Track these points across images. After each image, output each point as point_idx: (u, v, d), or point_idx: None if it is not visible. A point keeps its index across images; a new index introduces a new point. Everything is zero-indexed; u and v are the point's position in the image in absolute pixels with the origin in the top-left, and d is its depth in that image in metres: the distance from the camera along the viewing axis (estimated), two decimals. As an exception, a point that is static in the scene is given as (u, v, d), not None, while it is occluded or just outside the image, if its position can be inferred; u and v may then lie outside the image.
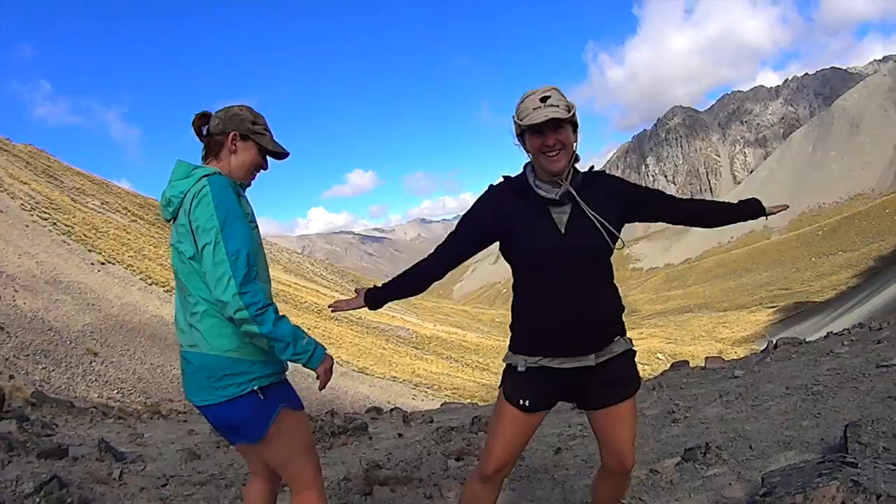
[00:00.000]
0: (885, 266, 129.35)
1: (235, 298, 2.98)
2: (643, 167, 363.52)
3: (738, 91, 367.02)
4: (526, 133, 3.25)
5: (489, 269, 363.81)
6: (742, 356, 16.25)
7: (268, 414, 3.23)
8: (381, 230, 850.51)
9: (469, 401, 30.04)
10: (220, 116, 3.40)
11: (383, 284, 3.62)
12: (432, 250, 3.62)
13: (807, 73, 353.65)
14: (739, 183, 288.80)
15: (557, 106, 3.16)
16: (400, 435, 9.53)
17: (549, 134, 3.18)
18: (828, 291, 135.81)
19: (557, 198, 3.27)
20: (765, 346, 13.58)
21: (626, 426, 3.41)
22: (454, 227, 3.55)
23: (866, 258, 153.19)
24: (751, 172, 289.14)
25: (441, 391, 49.86)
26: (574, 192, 3.27)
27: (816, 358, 9.34)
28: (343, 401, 37.76)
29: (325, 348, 3.28)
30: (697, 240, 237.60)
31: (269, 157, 3.53)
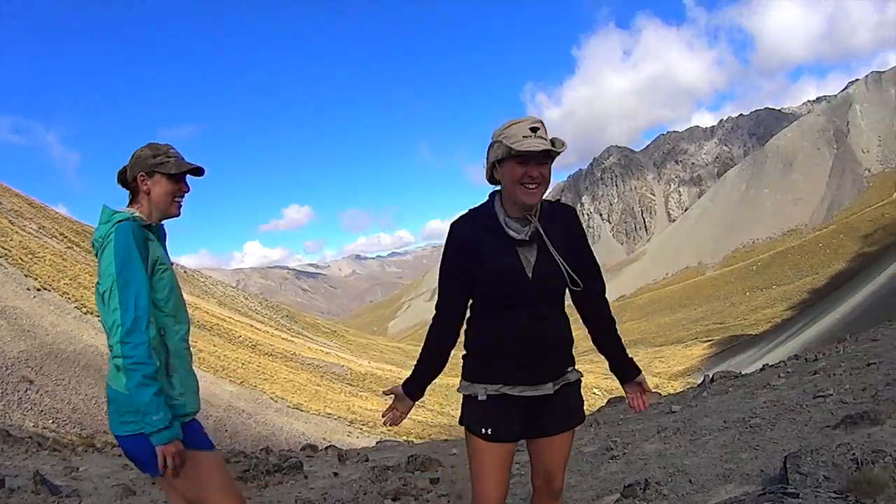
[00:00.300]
0: (818, 299, 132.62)
1: (118, 346, 3.17)
2: (578, 206, 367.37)
3: (674, 131, 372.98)
4: (506, 161, 3.22)
5: (423, 306, 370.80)
6: (679, 390, 17.62)
7: None
8: (317, 266, 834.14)
9: (405, 438, 31.40)
10: (129, 164, 3.57)
11: (415, 373, 3.62)
12: (435, 314, 3.53)
13: (741, 114, 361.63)
14: (674, 221, 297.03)
15: (545, 139, 3.19)
16: (336, 474, 9.37)
17: (533, 165, 3.18)
18: (763, 324, 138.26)
19: (527, 238, 3.28)
20: (701, 379, 13.79)
21: (563, 452, 3.53)
22: (441, 285, 3.49)
23: (800, 291, 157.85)
24: (685, 210, 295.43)
25: (376, 428, 48.99)
26: (542, 232, 3.28)
27: (753, 390, 9.69)
28: (278, 437, 39.02)
29: (178, 434, 3.27)
30: (632, 277, 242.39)
31: (188, 177, 3.66)
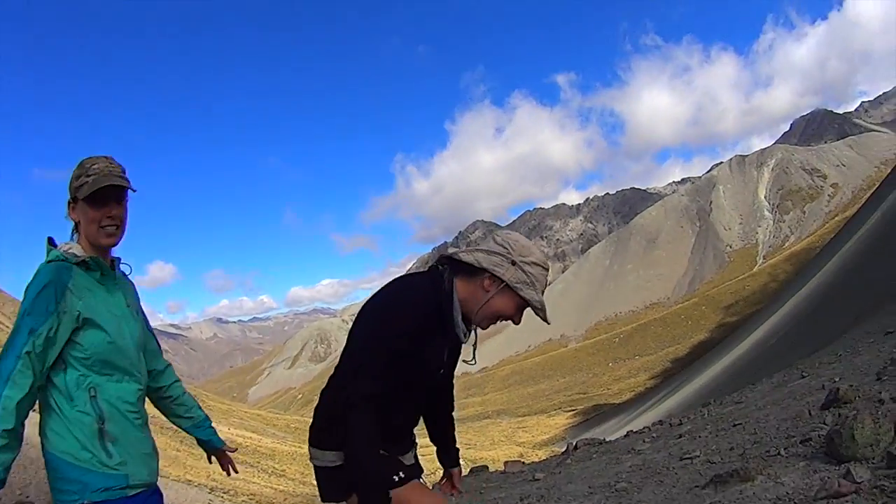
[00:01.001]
0: (681, 367, 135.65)
1: None
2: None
3: (540, 208, 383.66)
4: (508, 292, 3.09)
5: (284, 373, 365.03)
6: (542, 458, 17.55)
7: None
8: (178, 327, 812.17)
9: (267, 509, 29.37)
10: None
11: (442, 450, 3.78)
12: (369, 402, 3.05)
13: (608, 193, 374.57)
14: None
15: None
16: None
17: (518, 315, 3.18)
18: (626, 394, 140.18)
19: (465, 341, 3.29)
20: (565, 447, 13.77)
21: None
22: (381, 367, 3.07)
23: (663, 361, 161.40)
24: (548, 285, 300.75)
25: (238, 496, 47.07)
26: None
27: (618, 456, 9.73)
28: None
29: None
30: (494, 349, 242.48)
31: (105, 195, 3.08)
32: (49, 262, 2.95)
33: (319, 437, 3.35)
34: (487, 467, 14.24)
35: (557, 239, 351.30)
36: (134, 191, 3.16)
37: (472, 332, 3.25)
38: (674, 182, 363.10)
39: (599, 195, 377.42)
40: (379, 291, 3.23)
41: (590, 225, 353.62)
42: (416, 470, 3.45)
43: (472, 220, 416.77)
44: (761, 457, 6.21)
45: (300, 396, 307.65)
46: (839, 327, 28.84)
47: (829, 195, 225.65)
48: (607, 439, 13.30)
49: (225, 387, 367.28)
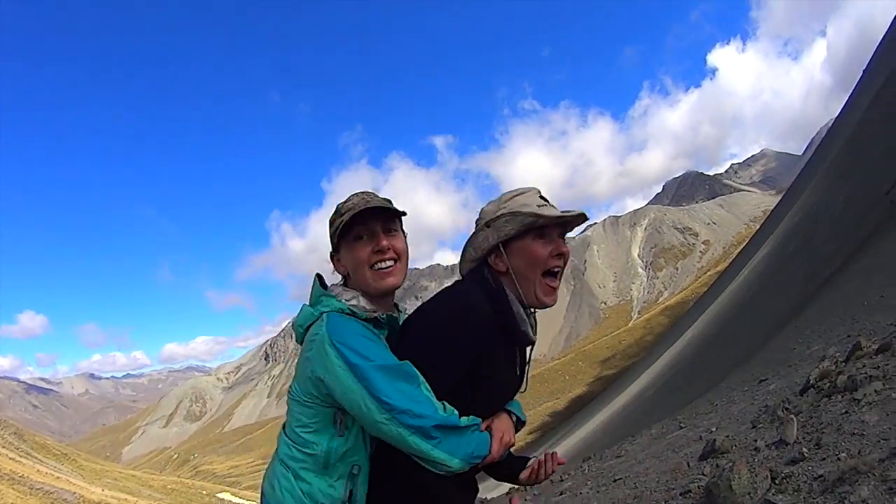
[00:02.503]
0: (559, 422, 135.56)
1: None
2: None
3: (415, 269, 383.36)
4: (520, 239, 2.64)
5: (159, 432, 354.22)
6: None
7: None
8: (48, 381, 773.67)
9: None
10: None
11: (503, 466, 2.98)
12: None
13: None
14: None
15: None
16: None
17: (559, 239, 2.73)
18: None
19: (535, 338, 2.76)
20: None
21: None
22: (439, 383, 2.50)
23: (542, 416, 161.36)
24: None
25: None
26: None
27: None
28: None
29: None
30: None
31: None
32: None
33: None
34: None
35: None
36: (404, 214, 2.90)
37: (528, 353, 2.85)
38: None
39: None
40: (424, 308, 2.68)
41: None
42: None
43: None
44: (641, 513, 6.17)
45: (176, 456, 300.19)
46: (715, 377, 29.55)
47: (700, 252, 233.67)
48: (488, 497, 13.07)
49: (98, 445, 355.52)
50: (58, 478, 75.86)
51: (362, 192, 2.81)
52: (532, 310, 2.71)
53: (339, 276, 2.84)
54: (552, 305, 2.65)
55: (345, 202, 2.77)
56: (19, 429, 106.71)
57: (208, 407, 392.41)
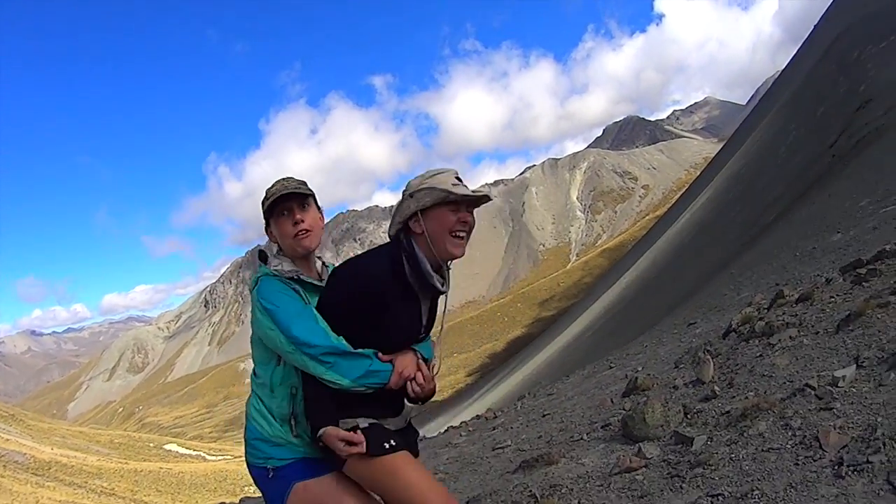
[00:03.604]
0: (498, 363, 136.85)
1: None
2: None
3: (353, 210, 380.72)
4: (436, 208, 3.20)
5: (103, 386, 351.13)
6: None
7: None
8: None
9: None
10: None
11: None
12: None
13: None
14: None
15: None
16: None
17: (466, 211, 3.23)
18: (446, 391, 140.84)
19: (445, 290, 3.36)
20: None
21: None
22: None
23: (481, 357, 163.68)
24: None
25: None
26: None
27: (436, 450, 10.23)
28: None
29: None
30: None
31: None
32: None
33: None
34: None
35: (371, 241, 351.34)
36: (310, 193, 3.59)
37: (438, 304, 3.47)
38: (487, 184, 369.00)
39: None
40: (331, 278, 3.36)
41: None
42: (407, 434, 3.43)
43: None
44: (566, 442, 6.68)
45: (121, 410, 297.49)
46: (650, 320, 30.09)
47: (640, 196, 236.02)
48: (427, 436, 13.71)
49: (43, 404, 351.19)
50: (7, 440, 76.07)
51: (283, 179, 3.56)
52: (448, 264, 3.31)
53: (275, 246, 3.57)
54: (461, 256, 3.21)
55: (270, 188, 3.50)
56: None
57: (150, 357, 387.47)
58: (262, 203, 3.49)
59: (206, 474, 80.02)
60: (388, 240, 3.37)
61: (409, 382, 3.30)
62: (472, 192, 3.21)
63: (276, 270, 3.38)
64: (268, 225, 3.54)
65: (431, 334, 3.54)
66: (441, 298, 3.44)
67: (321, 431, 3.10)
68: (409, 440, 3.41)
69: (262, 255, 3.54)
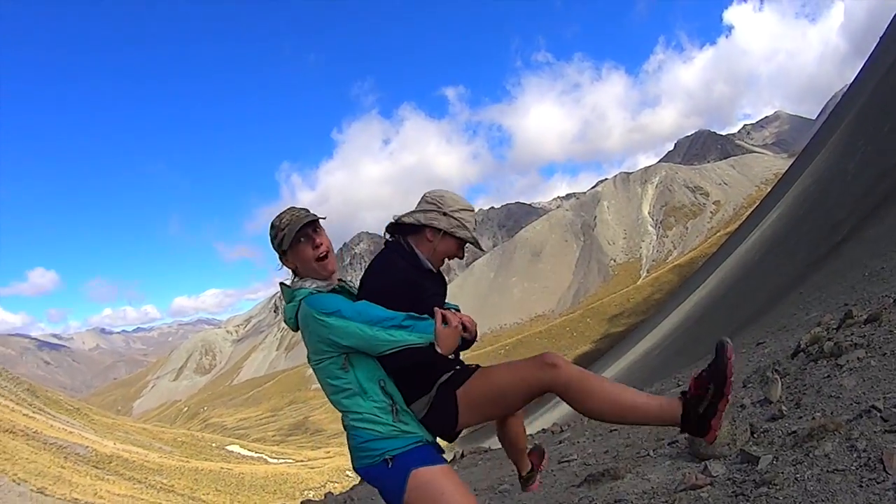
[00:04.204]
0: None
1: None
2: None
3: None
4: (448, 237, 3.78)
5: (169, 385, 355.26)
6: None
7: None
8: (60, 337, 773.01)
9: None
10: None
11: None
12: None
13: (493, 207, 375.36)
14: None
15: None
16: None
17: (461, 254, 3.94)
18: None
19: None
20: (452, 456, 14.18)
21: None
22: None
23: None
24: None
25: None
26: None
27: (501, 462, 10.45)
28: None
29: None
30: None
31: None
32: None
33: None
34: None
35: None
36: (323, 218, 3.79)
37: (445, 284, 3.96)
38: (559, 197, 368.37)
39: (485, 209, 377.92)
40: (368, 278, 3.77)
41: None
42: (462, 370, 3.72)
43: (357, 231, 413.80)
44: (632, 458, 6.71)
45: (186, 409, 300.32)
46: (718, 339, 29.69)
47: (711, 212, 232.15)
48: (492, 447, 13.74)
49: (109, 400, 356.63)
50: (70, 432, 77.47)
51: (290, 211, 3.73)
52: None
53: (288, 272, 3.81)
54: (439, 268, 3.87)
55: (279, 219, 3.68)
56: (32, 385, 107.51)
57: (218, 360, 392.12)
58: (276, 236, 3.69)
59: (267, 476, 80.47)
60: (392, 220, 3.92)
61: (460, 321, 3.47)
62: (473, 239, 3.88)
63: (315, 290, 3.59)
64: (282, 256, 3.75)
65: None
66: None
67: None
68: (464, 372, 3.69)
69: (284, 286, 3.75)
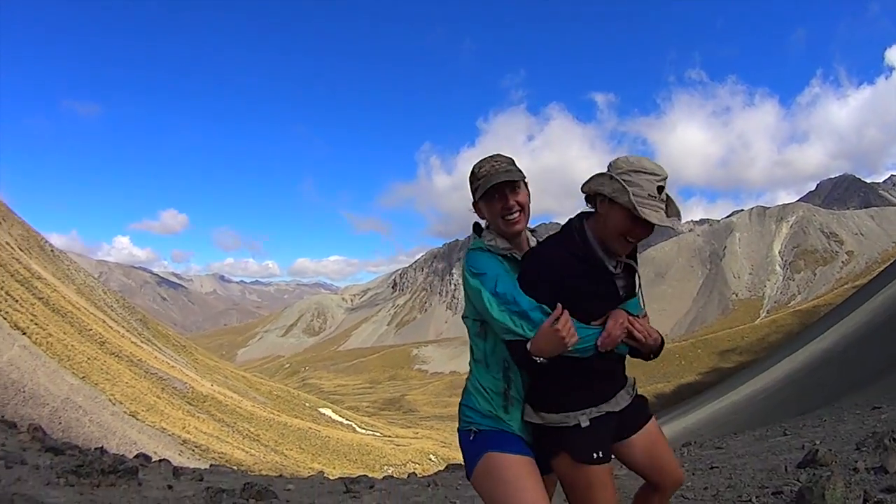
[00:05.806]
0: (662, 405, 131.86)
1: None
2: (448, 276, 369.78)
3: (556, 223, 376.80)
4: (619, 208, 3.21)
5: (276, 340, 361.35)
6: None
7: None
8: (180, 277, 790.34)
9: (237, 467, 29.92)
10: None
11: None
12: None
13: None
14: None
15: (663, 205, 3.30)
16: (170, 487, 9.17)
17: (641, 230, 3.26)
18: None
19: (617, 271, 3.42)
20: None
21: (665, 443, 3.68)
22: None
23: (648, 395, 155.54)
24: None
25: (208, 453, 48.81)
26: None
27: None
28: (110, 441, 37.89)
29: None
30: None
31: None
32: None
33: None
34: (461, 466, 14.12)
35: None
36: (524, 179, 3.63)
37: (636, 276, 3.56)
38: (692, 221, 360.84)
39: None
40: (534, 249, 3.59)
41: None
42: (637, 408, 3.59)
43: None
44: (733, 500, 6.51)
45: (288, 366, 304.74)
46: (830, 394, 28.93)
47: (842, 261, 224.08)
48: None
49: (215, 343, 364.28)
50: (172, 367, 79.69)
51: (493, 160, 3.61)
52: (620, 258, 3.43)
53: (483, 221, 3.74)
54: (622, 255, 3.37)
55: (480, 167, 3.60)
56: (145, 316, 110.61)
57: (328, 324, 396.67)
58: (471, 181, 3.64)
59: (352, 444, 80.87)
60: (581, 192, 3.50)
61: (631, 328, 3.34)
62: (660, 221, 3.18)
63: (489, 246, 3.54)
64: (476, 203, 3.68)
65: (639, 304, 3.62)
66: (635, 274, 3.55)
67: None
68: (638, 416, 3.57)
69: (477, 227, 3.74)
